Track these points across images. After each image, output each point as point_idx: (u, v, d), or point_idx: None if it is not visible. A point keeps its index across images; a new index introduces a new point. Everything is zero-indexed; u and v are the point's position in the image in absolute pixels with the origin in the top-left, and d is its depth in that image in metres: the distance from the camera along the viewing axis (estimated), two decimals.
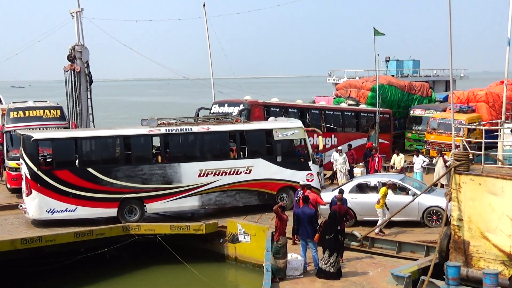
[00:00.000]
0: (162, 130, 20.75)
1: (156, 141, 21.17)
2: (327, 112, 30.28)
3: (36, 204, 19.37)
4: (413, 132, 33.91)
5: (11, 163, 23.29)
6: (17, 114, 24.59)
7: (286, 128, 22.05)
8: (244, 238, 18.74)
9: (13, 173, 23.14)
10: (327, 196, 18.93)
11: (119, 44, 34.00)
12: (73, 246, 18.63)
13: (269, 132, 21.82)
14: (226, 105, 28.04)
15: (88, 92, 26.64)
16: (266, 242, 16.35)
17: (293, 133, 22.04)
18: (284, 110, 28.46)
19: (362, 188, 19.48)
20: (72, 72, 26.26)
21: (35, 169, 19.33)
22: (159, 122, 21.22)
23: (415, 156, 25.47)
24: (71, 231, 18.63)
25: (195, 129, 21.15)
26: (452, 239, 14.26)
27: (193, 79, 39.40)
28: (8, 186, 23.72)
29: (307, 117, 28.92)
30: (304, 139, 22.27)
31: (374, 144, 28.77)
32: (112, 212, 20.03)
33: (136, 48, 35.45)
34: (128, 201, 20.13)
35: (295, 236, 16.46)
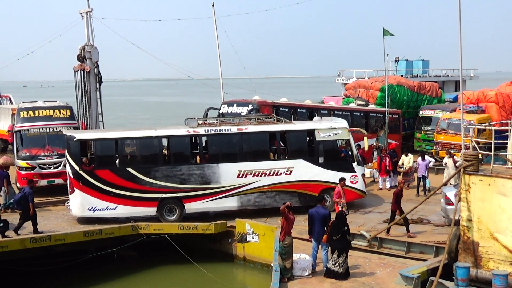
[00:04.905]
0: (201, 130, 20.78)
1: (196, 142, 21.27)
2: (336, 112, 30.18)
3: (78, 202, 19.92)
4: (422, 132, 33.77)
5: (21, 163, 23.43)
6: (27, 114, 24.76)
7: (329, 128, 21.52)
8: (253, 238, 18.76)
9: (23, 172, 23.29)
10: (452, 194, 18.34)
11: (127, 44, 34.13)
12: (83, 245, 18.73)
13: (311, 133, 21.45)
14: (235, 105, 27.99)
15: (98, 92, 26.73)
16: (274, 242, 16.34)
17: (336, 134, 21.52)
18: (293, 110, 28.36)
19: None
20: (82, 72, 26.37)
21: (77, 168, 19.74)
22: (199, 122, 21.27)
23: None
24: (80, 230, 18.79)
25: (234, 129, 20.98)
26: (462, 239, 14.20)
27: (198, 79, 39.33)
28: (18, 185, 23.82)
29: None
30: (348, 140, 21.80)
31: (381, 144, 28.68)
32: (151, 211, 20.29)
33: (145, 49, 35.50)
34: (167, 201, 20.32)
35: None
